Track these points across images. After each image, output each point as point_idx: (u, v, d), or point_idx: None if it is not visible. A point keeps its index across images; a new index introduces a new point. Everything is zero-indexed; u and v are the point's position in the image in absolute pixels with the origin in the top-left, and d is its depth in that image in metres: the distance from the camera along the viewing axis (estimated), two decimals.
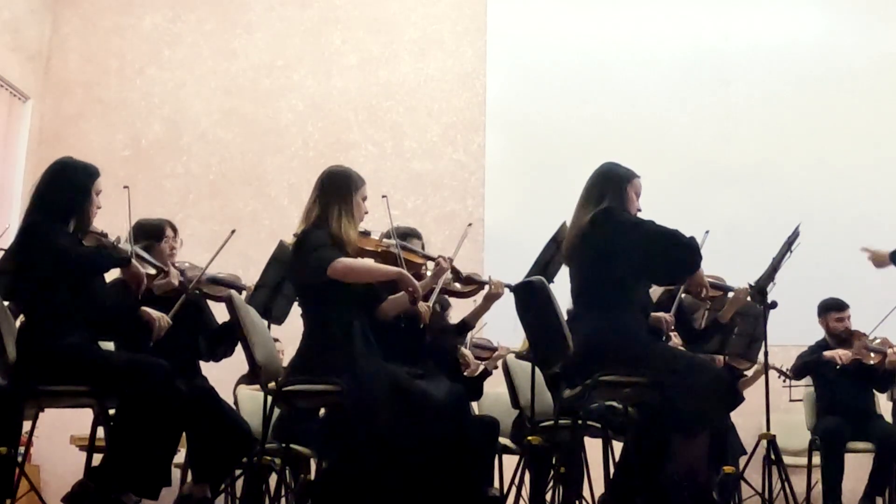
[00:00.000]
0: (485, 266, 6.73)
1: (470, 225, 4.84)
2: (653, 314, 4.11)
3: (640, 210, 3.80)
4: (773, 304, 4.57)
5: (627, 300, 3.68)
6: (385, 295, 3.82)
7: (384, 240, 3.89)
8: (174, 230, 4.18)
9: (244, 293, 4.14)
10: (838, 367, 5.49)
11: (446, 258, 3.96)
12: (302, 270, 3.57)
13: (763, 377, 4.79)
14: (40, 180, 3.66)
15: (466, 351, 5.08)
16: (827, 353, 5.57)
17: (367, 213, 3.72)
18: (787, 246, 4.45)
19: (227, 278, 4.16)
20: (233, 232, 4.23)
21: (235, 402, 5.15)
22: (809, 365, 5.69)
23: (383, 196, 3.83)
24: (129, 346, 3.88)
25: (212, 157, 7.62)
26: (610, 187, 3.76)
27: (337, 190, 3.64)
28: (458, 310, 4.91)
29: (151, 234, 4.08)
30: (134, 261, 3.66)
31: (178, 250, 4.21)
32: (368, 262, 3.69)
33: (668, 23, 7.53)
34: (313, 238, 3.54)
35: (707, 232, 4.15)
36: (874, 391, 5.73)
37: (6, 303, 3.75)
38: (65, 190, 3.61)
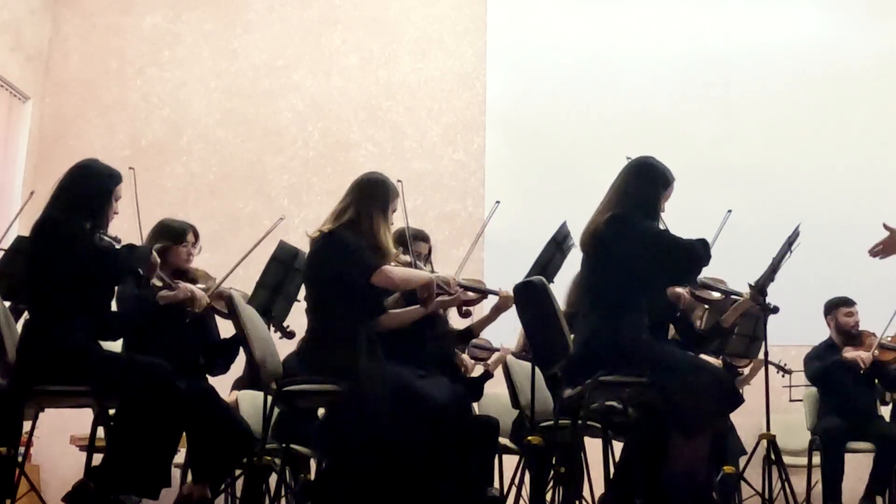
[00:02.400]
0: (485, 266, 6.73)
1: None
2: (669, 290, 4.11)
3: (662, 210, 3.79)
4: (776, 309, 4.54)
5: (631, 301, 3.67)
6: (386, 301, 3.82)
7: (399, 256, 3.88)
8: (196, 236, 4.15)
9: None
10: (862, 371, 5.33)
11: (458, 292, 3.88)
12: (334, 267, 3.55)
13: (760, 374, 4.78)
14: (63, 178, 3.64)
15: (464, 356, 5.07)
16: (848, 355, 5.40)
17: (392, 224, 3.73)
18: (787, 246, 4.44)
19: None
20: (281, 219, 4.14)
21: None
22: (830, 369, 5.49)
23: (398, 181, 3.81)
24: (138, 342, 3.87)
25: (212, 157, 7.62)
26: (646, 190, 3.72)
27: (377, 198, 3.65)
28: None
29: (172, 236, 4.07)
30: (154, 252, 3.65)
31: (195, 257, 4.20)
32: (409, 270, 3.73)
33: (668, 23, 7.53)
34: (349, 238, 3.55)
35: (729, 211, 4.18)
36: (875, 392, 5.72)
37: (6, 303, 3.75)
38: (87, 191, 3.60)
